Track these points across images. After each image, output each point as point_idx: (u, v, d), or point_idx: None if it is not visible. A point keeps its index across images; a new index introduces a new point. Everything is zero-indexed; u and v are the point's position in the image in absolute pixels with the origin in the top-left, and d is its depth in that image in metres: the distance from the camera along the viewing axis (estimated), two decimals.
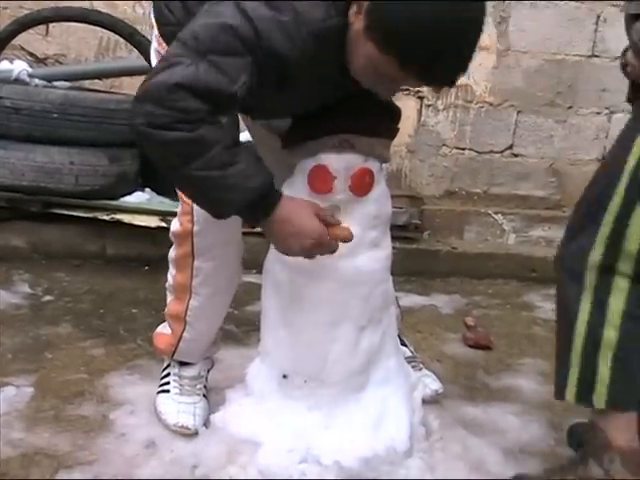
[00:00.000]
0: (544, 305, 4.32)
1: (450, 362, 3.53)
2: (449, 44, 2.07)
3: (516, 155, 5.29)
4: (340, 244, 2.42)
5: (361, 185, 2.51)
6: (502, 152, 5.28)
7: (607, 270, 2.22)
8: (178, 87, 2.08)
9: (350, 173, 2.49)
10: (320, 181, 2.49)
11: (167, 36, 2.53)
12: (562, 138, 5.26)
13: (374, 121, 2.47)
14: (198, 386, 2.84)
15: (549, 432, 3.03)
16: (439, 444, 2.79)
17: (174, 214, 2.73)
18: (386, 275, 2.68)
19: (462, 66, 2.17)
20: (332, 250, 2.40)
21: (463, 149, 5.26)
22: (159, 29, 2.61)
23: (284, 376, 2.62)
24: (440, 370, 3.33)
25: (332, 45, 2.21)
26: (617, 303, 2.23)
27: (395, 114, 2.61)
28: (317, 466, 2.51)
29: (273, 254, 2.60)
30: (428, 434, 2.79)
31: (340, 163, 2.49)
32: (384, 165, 2.60)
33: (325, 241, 2.37)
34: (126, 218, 4.13)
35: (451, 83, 2.21)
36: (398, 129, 2.64)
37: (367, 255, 2.57)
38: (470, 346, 3.71)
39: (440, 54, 2.07)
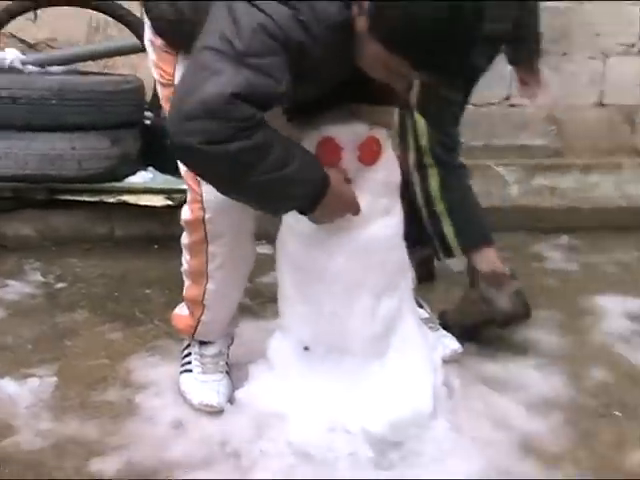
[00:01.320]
0: (553, 255, 4.37)
1: None
2: (458, 37, 2.12)
3: (514, 105, 5.28)
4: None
5: (369, 154, 2.53)
6: (500, 103, 5.27)
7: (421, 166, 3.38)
8: (234, 97, 2.08)
9: (357, 143, 2.51)
10: (328, 153, 2.50)
11: (159, 30, 2.57)
12: (558, 85, 5.21)
13: (377, 89, 2.47)
14: (220, 363, 2.87)
15: (571, 383, 3.06)
16: (462, 403, 2.82)
17: (179, 191, 2.75)
18: (400, 241, 2.69)
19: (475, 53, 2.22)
20: (358, 211, 2.51)
21: None
22: (150, 21, 2.62)
23: (305, 348, 2.66)
24: None
25: (347, 37, 2.22)
26: (435, 184, 3.38)
27: None
28: (345, 434, 2.54)
29: (286, 229, 2.62)
30: (451, 394, 2.82)
31: (347, 134, 2.51)
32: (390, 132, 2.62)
33: (357, 204, 2.50)
34: (132, 199, 4.14)
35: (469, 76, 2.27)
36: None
37: (379, 223, 2.59)
38: None
39: (450, 49, 2.13)
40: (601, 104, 5.30)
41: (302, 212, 2.40)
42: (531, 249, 4.43)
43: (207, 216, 2.61)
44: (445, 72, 2.25)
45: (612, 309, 3.67)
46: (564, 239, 4.56)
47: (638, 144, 5.36)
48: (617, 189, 5.14)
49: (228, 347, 2.93)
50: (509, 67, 5.07)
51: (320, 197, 2.33)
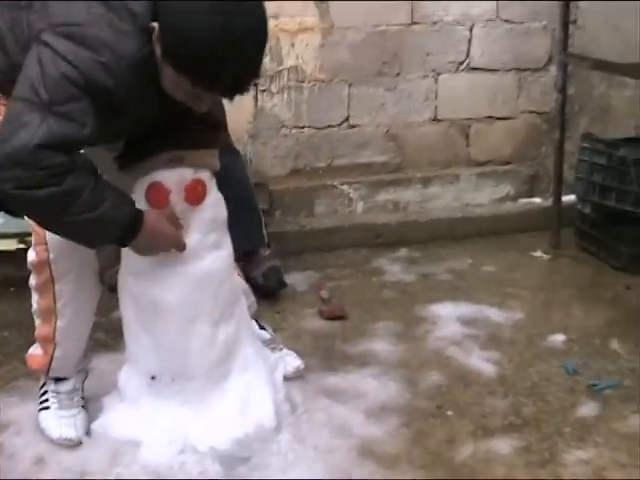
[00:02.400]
0: (391, 268, 4.56)
1: (309, 337, 3.73)
2: (229, 57, 2.32)
3: (353, 126, 5.45)
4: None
5: (195, 195, 2.75)
6: (340, 125, 5.45)
7: None
8: (39, 148, 2.27)
9: (183, 185, 2.73)
10: (157, 197, 2.71)
11: None
12: (394, 104, 5.41)
13: (199, 134, 2.69)
14: (75, 398, 3.00)
15: (405, 387, 3.28)
16: (305, 416, 3.03)
17: (31, 234, 2.86)
18: (231, 272, 2.92)
19: (250, 74, 2.44)
20: (183, 248, 2.73)
21: (302, 127, 5.40)
22: None
23: (152, 377, 2.84)
24: (300, 346, 3.54)
25: (150, 71, 2.43)
26: None
27: (217, 124, 2.84)
28: (195, 454, 2.75)
29: (124, 268, 2.81)
30: (293, 408, 3.04)
31: (173, 178, 2.72)
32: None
33: (180, 242, 2.71)
34: None
35: (244, 91, 2.45)
36: (223, 137, 2.86)
37: (210, 257, 2.81)
38: (327, 318, 3.90)
39: (222, 68, 2.34)
40: (436, 119, 5.54)
41: (119, 244, 2.64)
42: (372, 264, 4.60)
43: (52, 257, 2.76)
44: (220, 89, 2.45)
45: (445, 315, 3.89)
46: (403, 252, 4.77)
47: (473, 155, 5.61)
48: (456, 199, 5.42)
49: (82, 382, 3.06)
50: (346, 90, 5.37)
51: (132, 234, 2.56)
